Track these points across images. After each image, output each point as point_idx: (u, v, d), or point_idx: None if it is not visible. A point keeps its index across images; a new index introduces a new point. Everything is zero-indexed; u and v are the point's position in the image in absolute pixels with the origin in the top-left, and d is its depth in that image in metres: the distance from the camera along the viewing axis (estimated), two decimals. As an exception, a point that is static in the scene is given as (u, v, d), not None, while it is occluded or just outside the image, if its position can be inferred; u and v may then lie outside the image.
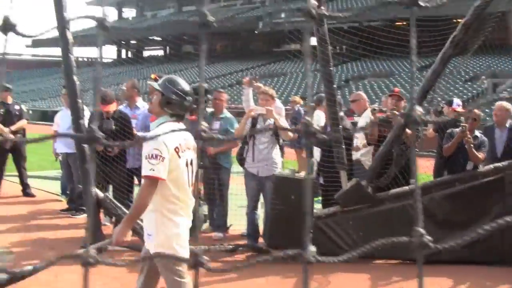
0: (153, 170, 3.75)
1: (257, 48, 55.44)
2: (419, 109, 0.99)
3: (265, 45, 55.10)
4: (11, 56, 65.21)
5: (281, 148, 7.78)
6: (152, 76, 8.31)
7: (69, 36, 6.70)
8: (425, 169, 8.68)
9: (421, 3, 0.99)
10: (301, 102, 14.74)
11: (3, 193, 10.67)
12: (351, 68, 40.15)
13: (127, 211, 6.03)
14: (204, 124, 1.02)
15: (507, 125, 7.87)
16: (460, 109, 8.97)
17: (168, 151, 3.81)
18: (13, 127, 10.43)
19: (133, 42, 66.43)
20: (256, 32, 48.57)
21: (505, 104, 7.90)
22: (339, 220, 7.13)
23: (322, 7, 6.83)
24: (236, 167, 8.29)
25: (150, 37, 58.26)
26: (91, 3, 75.87)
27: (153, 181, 3.79)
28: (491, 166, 7.26)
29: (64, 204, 9.89)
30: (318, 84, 35.80)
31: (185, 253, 3.91)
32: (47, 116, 36.36)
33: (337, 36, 13.05)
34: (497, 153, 7.73)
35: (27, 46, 69.34)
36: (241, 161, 7.59)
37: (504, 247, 6.62)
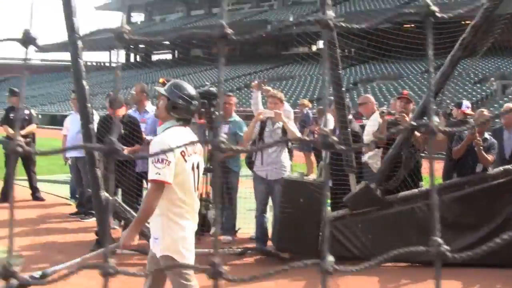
0: (159, 174, 3.77)
1: (265, 51, 55.50)
2: (436, 120, 0.99)
3: (274, 48, 55.16)
4: (20, 61, 65.50)
5: (290, 151, 7.79)
6: (161, 80, 8.33)
7: (79, 41, 6.73)
8: (434, 171, 8.65)
9: (438, 14, 0.99)
10: (310, 105, 14.76)
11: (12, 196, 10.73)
12: (359, 71, 40.12)
13: (136, 215, 6.05)
14: (223, 136, 1.02)
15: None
16: (469, 111, 8.93)
17: (174, 155, 3.82)
18: (23, 132, 10.49)
19: (141, 46, 66.67)
20: (264, 35, 48.58)
21: (513, 105, 7.88)
22: (348, 223, 7.11)
23: (331, 11, 6.83)
24: (245, 171, 8.29)
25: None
26: (100, 7, 76.29)
27: (160, 185, 3.81)
28: (501, 168, 7.23)
29: (73, 208, 9.93)
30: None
31: (191, 256, 3.95)
32: (56, 121, 36.51)
33: (346, 39, 13.03)
34: (505, 154, 7.70)
35: (36, 51, 69.43)
36: (250, 164, 7.59)
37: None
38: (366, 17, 38.12)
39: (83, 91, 6.92)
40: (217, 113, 8.08)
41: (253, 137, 7.42)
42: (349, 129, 7.17)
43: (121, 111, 8.14)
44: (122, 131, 7.96)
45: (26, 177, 10.93)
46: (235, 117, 8.20)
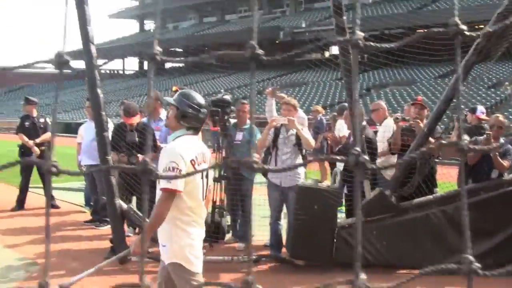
0: (171, 182, 3.80)
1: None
2: (466, 137, 0.99)
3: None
4: (35, 70, 66.11)
5: (304, 158, 7.77)
6: (174, 88, 8.38)
7: (93, 50, 6.78)
8: (449, 177, 8.60)
9: (466, 33, 1.00)
10: (323, 111, 14.73)
11: (27, 204, 10.82)
12: (372, 77, 40.05)
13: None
14: (255, 156, 1.03)
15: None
16: (483, 116, 8.88)
17: (185, 163, 3.86)
18: (38, 140, 10.62)
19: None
20: (277, 42, 48.68)
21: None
22: (362, 230, 7.07)
23: (344, 17, 6.85)
24: (259, 177, 8.29)
25: (172, 49, 58.64)
26: (113, 16, 76.75)
27: (171, 194, 3.83)
28: (517, 174, 7.18)
29: (88, 216, 9.98)
30: (340, 93, 35.68)
31: (198, 263, 3.98)
32: (70, 128, 36.74)
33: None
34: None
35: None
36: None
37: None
38: (378, 22, 38.06)
39: (97, 99, 6.96)
40: (231, 120, 8.10)
41: (267, 144, 7.42)
42: (363, 135, 7.15)
43: (136, 119, 8.17)
44: (137, 139, 8.00)
45: (41, 185, 11.00)
46: (250, 124, 8.20)
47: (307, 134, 7.53)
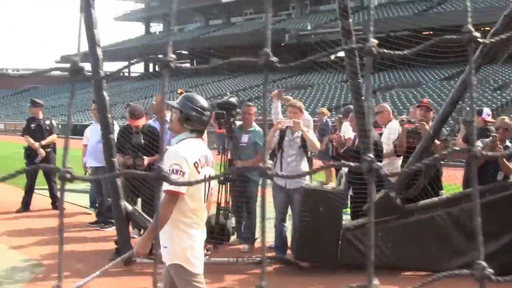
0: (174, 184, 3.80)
1: (283, 60, 55.39)
2: (479, 144, 1.00)
3: (292, 57, 55.22)
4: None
5: (310, 160, 7.77)
6: (179, 90, 8.37)
7: (99, 52, 6.79)
8: (454, 179, 8.58)
9: (480, 40, 1.00)
10: (328, 113, 14.72)
11: (33, 206, 10.84)
12: (378, 79, 40.00)
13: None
14: (269, 162, 1.04)
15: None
16: (489, 118, 8.85)
17: (188, 166, 3.88)
18: (44, 142, 10.66)
19: (160, 56, 67.09)
20: (282, 44, 48.69)
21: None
22: (367, 232, 7.07)
23: (350, 20, 6.84)
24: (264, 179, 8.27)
25: (177, 51, 58.73)
26: (118, 18, 76.96)
27: (174, 196, 3.85)
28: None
29: (93, 217, 10.00)
30: (345, 95, 35.65)
31: (199, 264, 3.99)
32: (76, 130, 36.75)
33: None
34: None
35: (57, 62, 70.34)
36: (269, 173, 7.57)
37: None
38: (383, 25, 38.03)
39: (103, 102, 6.97)
40: (236, 122, 8.10)
41: (272, 146, 7.42)
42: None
43: (141, 122, 8.19)
44: (142, 141, 8.01)
45: (46, 187, 11.03)
46: (255, 126, 8.21)
47: (312, 136, 7.53)
